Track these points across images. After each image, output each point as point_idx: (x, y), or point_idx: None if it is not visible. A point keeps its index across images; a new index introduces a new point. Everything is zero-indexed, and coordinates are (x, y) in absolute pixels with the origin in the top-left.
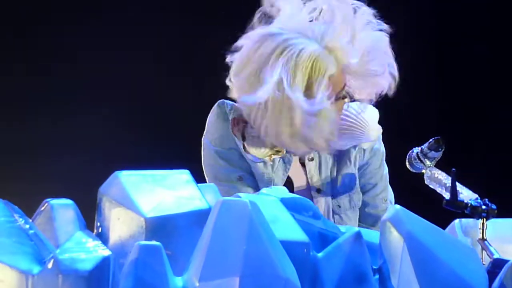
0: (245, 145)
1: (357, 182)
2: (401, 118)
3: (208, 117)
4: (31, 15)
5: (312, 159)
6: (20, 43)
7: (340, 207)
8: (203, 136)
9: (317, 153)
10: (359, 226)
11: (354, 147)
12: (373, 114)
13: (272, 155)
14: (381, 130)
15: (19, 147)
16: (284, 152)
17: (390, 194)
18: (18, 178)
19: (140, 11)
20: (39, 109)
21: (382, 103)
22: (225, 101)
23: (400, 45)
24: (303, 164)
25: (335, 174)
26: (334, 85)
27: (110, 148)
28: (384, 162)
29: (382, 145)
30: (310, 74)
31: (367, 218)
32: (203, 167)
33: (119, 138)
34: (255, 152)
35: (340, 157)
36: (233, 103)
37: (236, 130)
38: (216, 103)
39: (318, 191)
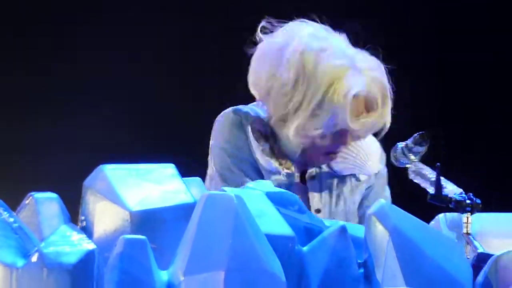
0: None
1: (357, 206)
2: (401, 118)
3: (219, 122)
4: (31, 15)
5: (313, 178)
6: (20, 43)
7: None
8: (212, 140)
9: (319, 173)
10: None
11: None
12: (374, 147)
13: (284, 168)
14: (382, 166)
15: (19, 147)
16: (292, 168)
17: None
18: (18, 178)
19: (140, 11)
20: (39, 109)
21: None
22: (239, 108)
23: (400, 44)
24: (304, 183)
25: (336, 196)
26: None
27: (110, 148)
28: (387, 184)
29: (385, 168)
30: (329, 87)
31: None
32: (213, 170)
33: (119, 138)
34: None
35: (344, 179)
36: (246, 111)
37: (256, 136)
38: (231, 110)
39: (318, 211)
